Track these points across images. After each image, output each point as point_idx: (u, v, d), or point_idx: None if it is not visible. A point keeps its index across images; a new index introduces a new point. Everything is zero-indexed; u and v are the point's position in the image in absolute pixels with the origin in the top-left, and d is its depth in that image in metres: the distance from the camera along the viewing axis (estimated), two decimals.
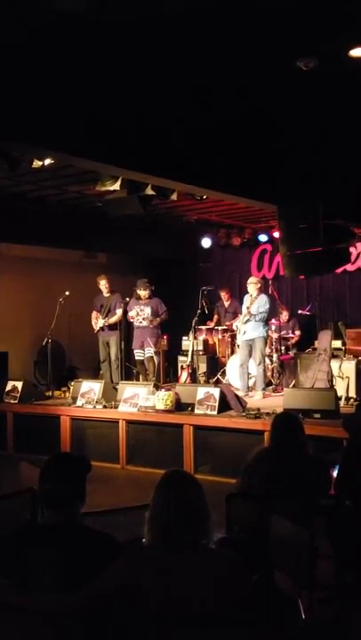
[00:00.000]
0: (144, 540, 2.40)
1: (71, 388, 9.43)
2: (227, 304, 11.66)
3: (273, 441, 4.27)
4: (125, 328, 10.55)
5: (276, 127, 6.10)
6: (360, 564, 3.73)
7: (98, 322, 10.27)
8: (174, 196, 7.87)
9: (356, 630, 2.38)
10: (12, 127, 4.69)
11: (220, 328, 11.36)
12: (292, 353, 10.68)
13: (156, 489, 2.42)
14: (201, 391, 8.23)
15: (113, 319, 10.23)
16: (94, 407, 8.72)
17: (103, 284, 10.39)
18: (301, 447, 4.19)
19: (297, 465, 4.03)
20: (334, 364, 9.12)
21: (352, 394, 8.79)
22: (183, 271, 12.92)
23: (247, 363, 9.71)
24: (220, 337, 11.27)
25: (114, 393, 8.98)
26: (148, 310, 10.12)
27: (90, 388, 8.95)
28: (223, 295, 11.70)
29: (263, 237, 12.30)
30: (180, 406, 8.28)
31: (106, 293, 10.42)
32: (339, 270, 10.16)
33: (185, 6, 3.98)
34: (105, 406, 8.69)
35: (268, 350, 10.26)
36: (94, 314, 10.37)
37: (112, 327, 10.30)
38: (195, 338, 10.75)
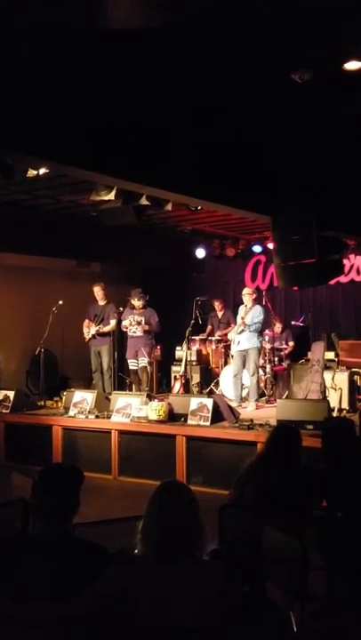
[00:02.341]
0: (136, 550, 2.39)
1: (63, 397, 9.40)
2: (220, 314, 11.68)
3: (268, 451, 4.27)
4: (119, 338, 10.54)
5: (271, 139, 6.13)
6: (352, 575, 3.72)
7: (90, 330, 10.25)
8: (169, 207, 7.89)
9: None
10: (7, 136, 4.69)
11: (213, 338, 11.37)
12: (285, 364, 10.69)
13: (151, 499, 2.40)
14: (194, 402, 8.22)
15: (106, 328, 10.21)
16: (87, 417, 8.68)
17: (98, 292, 10.38)
18: (295, 459, 4.19)
19: (289, 476, 4.02)
20: (327, 375, 9.12)
21: (345, 405, 8.79)
22: (177, 281, 12.93)
23: (241, 373, 9.71)
24: (213, 347, 11.28)
25: (106, 403, 8.95)
26: (141, 320, 10.13)
27: (82, 398, 8.91)
28: (217, 305, 11.72)
29: (257, 248, 12.33)
30: (172, 417, 8.26)
31: (101, 301, 10.42)
32: (332, 282, 10.20)
33: (180, 19, 4.00)
34: (97, 416, 8.66)
35: (261, 361, 10.27)
36: (86, 322, 10.35)
37: (104, 336, 10.28)
38: (188, 348, 10.74)
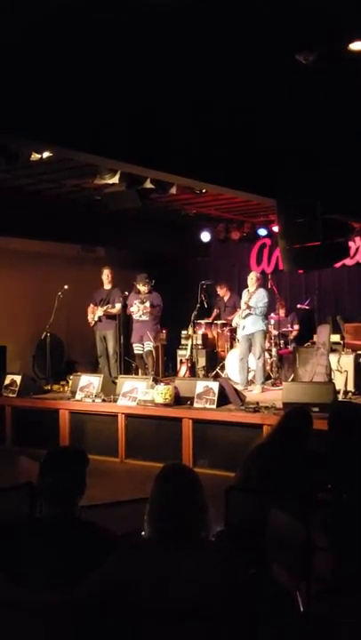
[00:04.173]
0: (143, 532, 2.41)
1: (70, 381, 9.44)
2: (226, 298, 11.66)
3: (278, 434, 4.28)
4: (124, 322, 10.56)
5: (275, 121, 6.09)
6: (356, 556, 3.75)
7: (96, 313, 10.29)
8: (173, 190, 7.86)
9: (353, 622, 2.39)
10: (11, 120, 4.67)
11: (219, 322, 11.37)
12: (291, 347, 10.69)
13: (155, 482, 2.42)
14: (200, 385, 8.25)
15: (112, 311, 10.25)
16: (93, 401, 8.73)
17: (107, 274, 10.42)
18: (302, 442, 4.20)
19: (296, 459, 4.04)
20: (333, 357, 9.13)
21: (350, 387, 8.80)
22: (182, 265, 12.91)
23: (247, 357, 9.72)
24: (219, 331, 11.29)
25: (113, 387, 8.99)
26: (147, 305, 10.16)
27: (89, 382, 8.96)
28: (222, 290, 11.69)
29: (262, 232, 12.28)
30: (179, 400, 8.29)
31: (107, 284, 10.45)
32: (337, 265, 10.16)
33: (182, 1, 3.97)
34: (104, 400, 8.70)
35: (267, 344, 10.27)
36: (91, 307, 10.38)
37: (109, 320, 10.31)
38: (194, 332, 10.75)
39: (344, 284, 11.94)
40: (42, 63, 4.56)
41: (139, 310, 10.18)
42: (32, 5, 3.96)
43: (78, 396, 8.89)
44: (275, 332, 10.59)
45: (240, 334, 9.86)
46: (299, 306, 11.50)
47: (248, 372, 9.85)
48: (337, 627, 2.39)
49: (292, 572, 3.21)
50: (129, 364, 10.82)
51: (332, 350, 9.49)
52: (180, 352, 11.39)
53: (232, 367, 10.31)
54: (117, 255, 12.40)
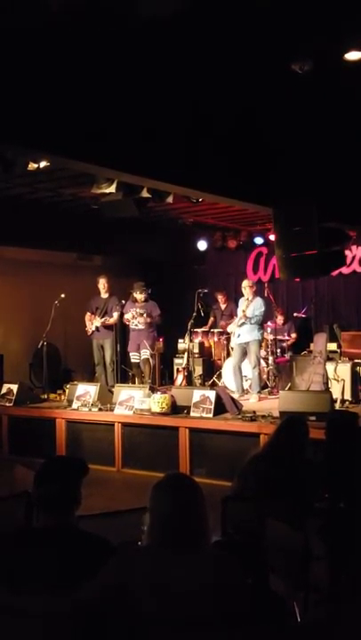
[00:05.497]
0: (140, 542, 2.40)
1: (67, 390, 9.43)
2: (223, 307, 11.67)
3: (275, 443, 4.28)
4: (121, 331, 10.55)
5: (271, 130, 6.12)
6: (353, 565, 3.74)
7: (93, 322, 10.27)
8: (170, 199, 7.88)
9: (350, 630, 2.38)
10: (7, 130, 4.68)
11: (215, 331, 11.37)
12: (287, 355, 10.69)
13: (156, 491, 2.40)
14: (197, 394, 8.23)
15: (110, 321, 10.25)
16: (90, 410, 8.71)
17: (103, 284, 10.40)
18: (299, 451, 4.20)
19: (293, 468, 4.03)
20: (330, 366, 9.12)
21: (347, 396, 8.79)
22: (179, 273, 12.92)
23: (239, 365, 9.72)
24: (215, 339, 11.28)
25: (109, 396, 8.98)
26: (143, 313, 10.15)
27: (85, 391, 8.94)
28: (220, 298, 11.71)
29: (259, 240, 12.31)
30: (175, 409, 8.28)
31: (104, 294, 10.44)
32: (334, 273, 10.18)
33: (180, 10, 3.99)
34: (100, 409, 8.68)
35: (263, 353, 10.27)
36: (88, 315, 10.37)
37: (107, 329, 10.30)
38: (190, 340, 10.74)
39: (341, 292, 11.96)
40: (39, 72, 4.58)
41: (135, 319, 10.16)
42: (31, 13, 3.98)
43: (75, 404, 8.87)
44: (271, 340, 10.59)
45: (234, 342, 9.85)
46: (295, 314, 11.51)
47: (245, 380, 9.85)
48: (336, 634, 2.38)
49: (290, 580, 3.19)
50: (126, 373, 10.81)
51: (329, 359, 9.48)
52: (176, 360, 11.35)
53: (229, 375, 10.29)
54: (114, 263, 12.40)
